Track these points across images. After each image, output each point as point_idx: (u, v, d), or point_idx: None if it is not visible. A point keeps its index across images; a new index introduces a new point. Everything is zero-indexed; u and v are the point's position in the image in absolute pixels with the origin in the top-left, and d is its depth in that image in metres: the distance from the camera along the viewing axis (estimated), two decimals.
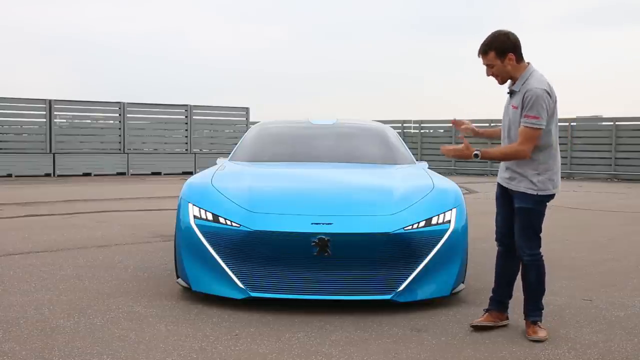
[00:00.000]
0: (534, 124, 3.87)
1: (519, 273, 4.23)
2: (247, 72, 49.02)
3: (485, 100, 46.76)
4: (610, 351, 3.82)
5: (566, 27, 48.73)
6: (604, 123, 21.64)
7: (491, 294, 4.34)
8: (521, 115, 3.93)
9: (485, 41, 4.04)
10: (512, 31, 4.05)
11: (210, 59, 49.93)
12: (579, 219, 10.37)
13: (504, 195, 4.19)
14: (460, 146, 4.02)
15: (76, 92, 51.88)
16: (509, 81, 4.12)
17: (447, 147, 4.09)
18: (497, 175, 4.32)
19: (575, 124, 21.62)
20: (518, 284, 4.36)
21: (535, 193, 3.99)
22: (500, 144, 4.24)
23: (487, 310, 4.28)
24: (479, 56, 4.09)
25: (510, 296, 4.33)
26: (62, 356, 3.60)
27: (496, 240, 4.31)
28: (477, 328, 4.17)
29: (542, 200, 4.04)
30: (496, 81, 4.11)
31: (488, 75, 4.10)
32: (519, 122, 3.95)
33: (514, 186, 4.06)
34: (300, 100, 48.99)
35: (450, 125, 23.53)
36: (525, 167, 4.00)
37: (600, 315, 4.59)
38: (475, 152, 3.98)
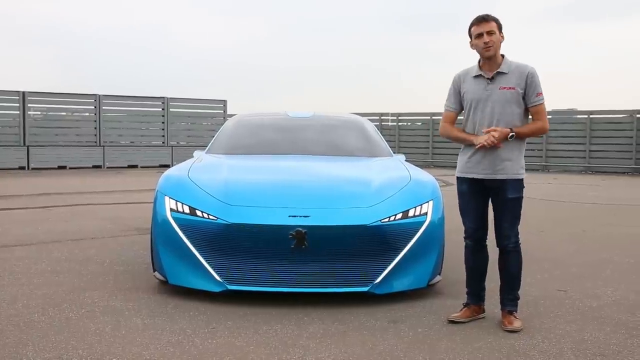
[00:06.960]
0: (543, 99, 4.09)
1: (497, 264, 4.25)
2: (227, 64, 48.85)
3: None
4: (583, 340, 3.88)
5: (541, 22, 49.22)
6: (578, 116, 21.90)
7: (467, 289, 4.37)
8: (528, 95, 4.03)
9: (482, 14, 4.07)
10: None
11: (191, 52, 49.65)
12: (554, 211, 10.50)
13: (477, 190, 4.17)
14: (500, 129, 4.00)
15: (53, 84, 51.21)
16: (476, 68, 4.14)
17: (491, 139, 3.97)
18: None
19: (550, 117, 21.81)
20: (490, 276, 4.39)
21: (523, 177, 4.11)
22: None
23: (465, 305, 4.31)
24: (475, 24, 4.04)
25: (484, 287, 4.37)
26: (37, 351, 3.56)
27: (467, 237, 4.29)
28: (454, 322, 4.20)
29: (524, 185, 4.16)
30: (483, 54, 4.06)
31: (486, 42, 3.99)
32: (522, 102, 4.04)
33: (504, 175, 4.06)
34: (278, 94, 48.93)
35: (427, 118, 23.75)
36: (516, 150, 4.07)
37: (574, 305, 4.65)
38: (511, 134, 4.01)
